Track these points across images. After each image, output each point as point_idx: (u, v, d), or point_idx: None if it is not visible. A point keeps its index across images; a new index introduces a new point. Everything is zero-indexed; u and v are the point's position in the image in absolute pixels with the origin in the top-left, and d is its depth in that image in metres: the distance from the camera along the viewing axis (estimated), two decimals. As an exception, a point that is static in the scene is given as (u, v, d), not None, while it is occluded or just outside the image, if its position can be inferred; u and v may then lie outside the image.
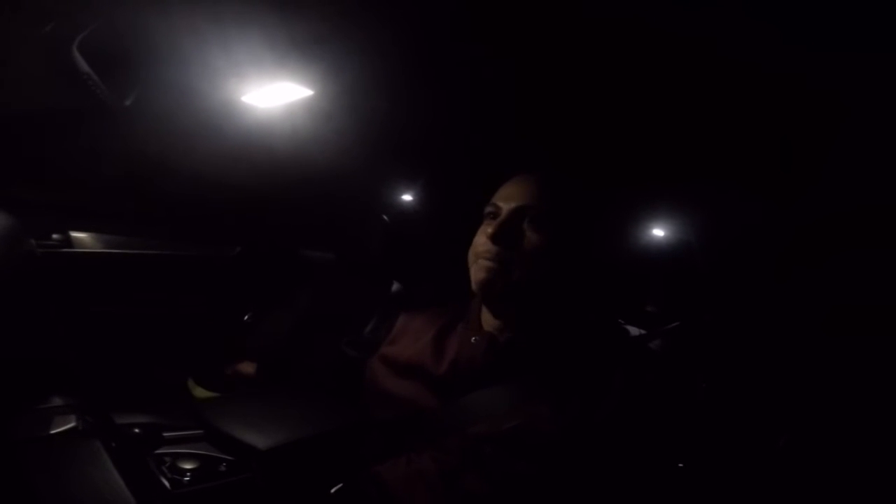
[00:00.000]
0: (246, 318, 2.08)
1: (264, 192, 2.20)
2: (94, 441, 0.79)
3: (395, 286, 1.92)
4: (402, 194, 2.27)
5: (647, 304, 1.34)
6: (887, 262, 1.23)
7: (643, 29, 0.89)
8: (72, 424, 0.81)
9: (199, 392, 1.55)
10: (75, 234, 1.88)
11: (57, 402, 0.92)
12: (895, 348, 1.19)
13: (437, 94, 1.29)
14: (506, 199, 0.96)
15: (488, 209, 0.98)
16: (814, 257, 1.30)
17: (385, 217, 1.94)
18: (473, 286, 0.95)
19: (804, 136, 1.07)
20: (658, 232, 1.36)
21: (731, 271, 1.41)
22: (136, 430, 1.07)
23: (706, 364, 1.18)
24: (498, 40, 1.02)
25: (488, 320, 1.00)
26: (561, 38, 0.98)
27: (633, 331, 1.07)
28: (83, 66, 1.13)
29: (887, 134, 1.01)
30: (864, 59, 0.85)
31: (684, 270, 1.38)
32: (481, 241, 0.95)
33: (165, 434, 1.14)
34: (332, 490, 0.97)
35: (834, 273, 1.28)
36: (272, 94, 1.32)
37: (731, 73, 0.95)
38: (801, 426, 1.15)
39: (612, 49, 0.97)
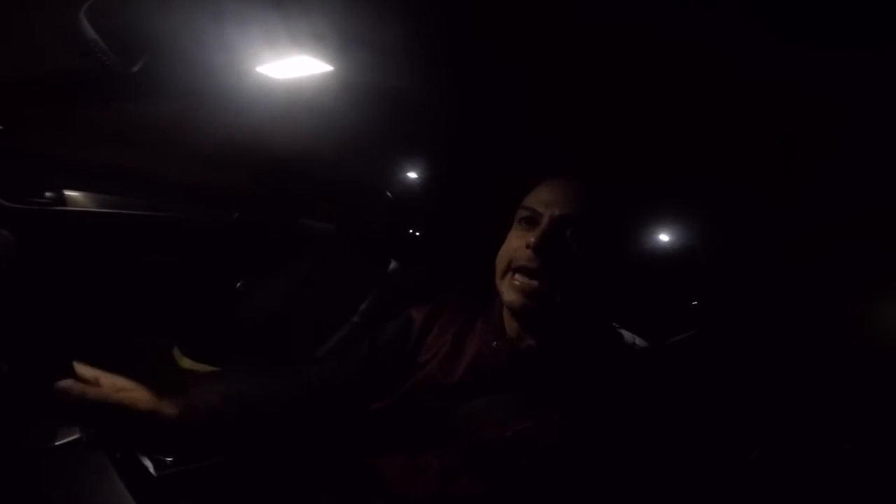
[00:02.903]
0: (238, 285, 2.07)
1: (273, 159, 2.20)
2: (99, 453, 0.78)
3: (392, 265, 1.92)
4: (408, 173, 2.25)
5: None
6: (887, 262, 1.21)
7: (645, 30, 0.87)
8: (76, 436, 0.80)
9: (185, 362, 1.54)
10: (69, 193, 1.87)
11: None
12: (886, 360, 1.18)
13: (455, 82, 1.27)
14: (546, 206, 0.87)
15: (523, 213, 0.90)
16: (814, 258, 1.28)
17: (388, 194, 1.93)
18: (509, 302, 0.89)
19: (804, 136, 1.05)
20: (659, 234, 1.35)
21: (730, 273, 1.39)
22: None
23: (689, 369, 1.17)
24: (515, 41, 1.00)
25: (511, 325, 0.95)
26: (566, 40, 0.96)
27: (627, 336, 1.05)
28: (90, 32, 1.12)
29: (887, 134, 0.98)
30: (864, 59, 0.83)
31: (682, 270, 1.37)
32: (518, 249, 0.88)
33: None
34: (326, 477, 0.96)
35: (834, 275, 1.27)
36: (290, 66, 1.29)
37: (730, 73, 0.93)
38: (776, 441, 1.14)
39: (614, 51, 0.95)
